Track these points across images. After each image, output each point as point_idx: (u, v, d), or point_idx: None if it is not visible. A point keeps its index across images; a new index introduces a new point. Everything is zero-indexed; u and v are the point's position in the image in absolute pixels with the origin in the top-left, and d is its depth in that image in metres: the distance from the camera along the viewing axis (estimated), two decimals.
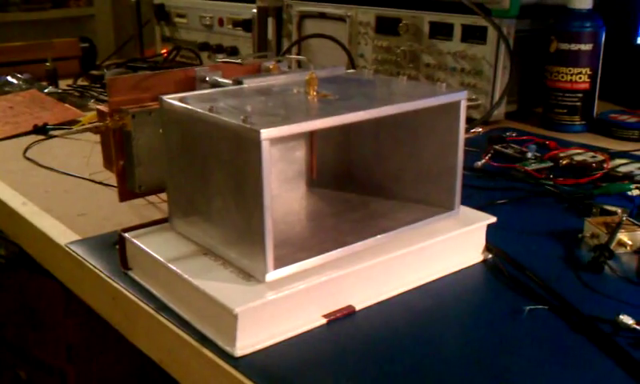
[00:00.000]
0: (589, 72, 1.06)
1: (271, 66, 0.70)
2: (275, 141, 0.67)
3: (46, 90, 1.32)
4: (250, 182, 0.49)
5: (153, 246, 0.59)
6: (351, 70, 0.71)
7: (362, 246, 0.56)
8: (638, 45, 1.20)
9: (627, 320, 0.52)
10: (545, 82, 1.10)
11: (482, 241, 0.65)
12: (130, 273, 0.61)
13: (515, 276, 0.61)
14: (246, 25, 1.46)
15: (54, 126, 1.10)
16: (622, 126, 1.04)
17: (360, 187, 0.68)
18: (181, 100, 0.57)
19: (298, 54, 1.35)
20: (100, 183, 0.85)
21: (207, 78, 0.66)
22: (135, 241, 0.60)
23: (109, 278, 0.62)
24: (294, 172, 0.68)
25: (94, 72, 1.49)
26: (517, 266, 0.62)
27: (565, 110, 1.08)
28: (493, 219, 0.64)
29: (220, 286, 0.52)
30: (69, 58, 1.57)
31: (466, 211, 0.64)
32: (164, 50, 1.64)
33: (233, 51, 1.51)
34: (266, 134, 0.47)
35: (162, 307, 0.56)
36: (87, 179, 0.87)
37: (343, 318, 0.55)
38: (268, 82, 0.65)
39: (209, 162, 0.55)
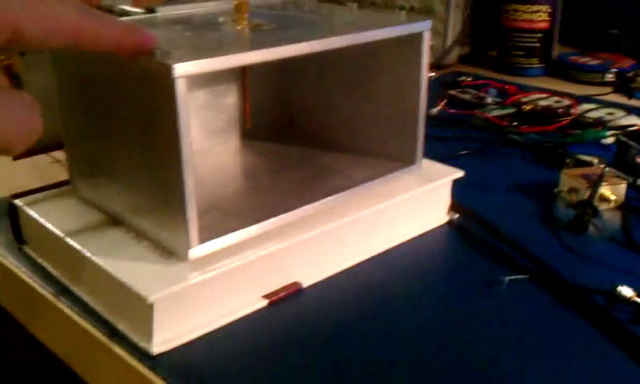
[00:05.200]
0: (548, 10, 0.97)
1: None
2: (200, 84, 0.56)
3: None
4: (163, 132, 0.38)
5: (50, 215, 0.48)
6: None
7: (308, 210, 0.46)
8: None
9: (626, 292, 0.44)
10: (500, 23, 1.01)
11: (446, 199, 0.56)
12: (26, 248, 0.51)
13: (486, 239, 0.52)
14: None
15: None
16: (584, 69, 0.96)
17: (303, 139, 0.58)
18: None
19: None
20: None
21: (113, 8, 0.54)
22: (28, 209, 0.49)
23: None
24: (224, 122, 0.57)
25: None
26: (488, 228, 0.53)
27: (522, 52, 1.00)
28: (460, 173, 0.55)
29: (132, 266, 0.41)
30: None
31: (427, 165, 0.55)
32: None
33: None
34: (180, 69, 0.36)
35: (63, 291, 0.46)
36: None
37: (287, 299, 0.45)
38: (187, 10, 0.53)
39: (111, 109, 0.43)
